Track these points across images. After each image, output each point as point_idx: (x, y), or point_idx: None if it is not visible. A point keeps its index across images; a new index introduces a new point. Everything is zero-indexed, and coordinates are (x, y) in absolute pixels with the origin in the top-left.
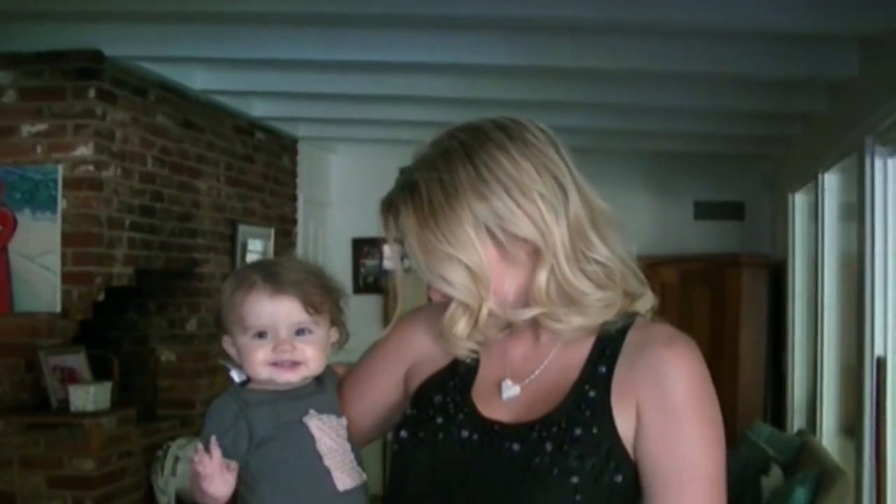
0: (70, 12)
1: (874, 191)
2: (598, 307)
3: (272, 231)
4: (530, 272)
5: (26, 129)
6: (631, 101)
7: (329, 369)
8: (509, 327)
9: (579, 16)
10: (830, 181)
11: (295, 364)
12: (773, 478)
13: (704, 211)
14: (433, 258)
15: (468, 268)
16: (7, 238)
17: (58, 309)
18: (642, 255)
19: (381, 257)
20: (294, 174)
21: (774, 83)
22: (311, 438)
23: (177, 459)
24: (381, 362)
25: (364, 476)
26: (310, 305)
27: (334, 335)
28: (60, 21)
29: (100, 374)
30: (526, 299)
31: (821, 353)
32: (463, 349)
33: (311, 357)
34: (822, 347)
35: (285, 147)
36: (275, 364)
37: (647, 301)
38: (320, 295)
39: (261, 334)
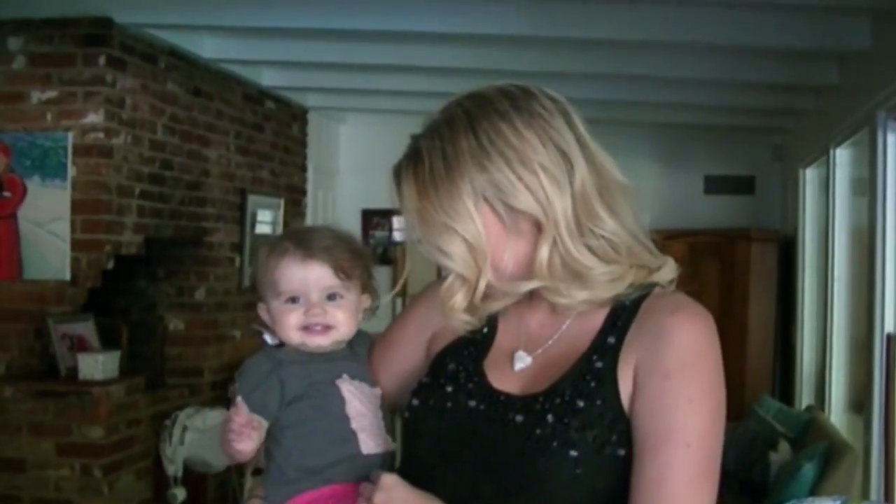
0: None
1: (886, 166)
2: (603, 281)
3: (281, 201)
4: (533, 245)
5: (36, 95)
6: (641, 72)
7: (365, 336)
8: (522, 298)
9: None
10: (842, 156)
11: (326, 328)
12: (781, 453)
13: (714, 185)
14: (431, 229)
15: (465, 240)
16: (16, 205)
17: (67, 276)
18: (651, 228)
19: (390, 229)
20: (304, 144)
21: (786, 54)
22: (342, 400)
23: (185, 428)
24: (406, 330)
25: (392, 444)
26: (340, 270)
27: (366, 301)
28: None
29: (108, 342)
30: (528, 272)
31: (830, 328)
32: (459, 322)
33: (342, 321)
34: (832, 323)
35: (295, 116)
36: (306, 328)
37: (668, 272)
38: (350, 260)
39: (293, 299)
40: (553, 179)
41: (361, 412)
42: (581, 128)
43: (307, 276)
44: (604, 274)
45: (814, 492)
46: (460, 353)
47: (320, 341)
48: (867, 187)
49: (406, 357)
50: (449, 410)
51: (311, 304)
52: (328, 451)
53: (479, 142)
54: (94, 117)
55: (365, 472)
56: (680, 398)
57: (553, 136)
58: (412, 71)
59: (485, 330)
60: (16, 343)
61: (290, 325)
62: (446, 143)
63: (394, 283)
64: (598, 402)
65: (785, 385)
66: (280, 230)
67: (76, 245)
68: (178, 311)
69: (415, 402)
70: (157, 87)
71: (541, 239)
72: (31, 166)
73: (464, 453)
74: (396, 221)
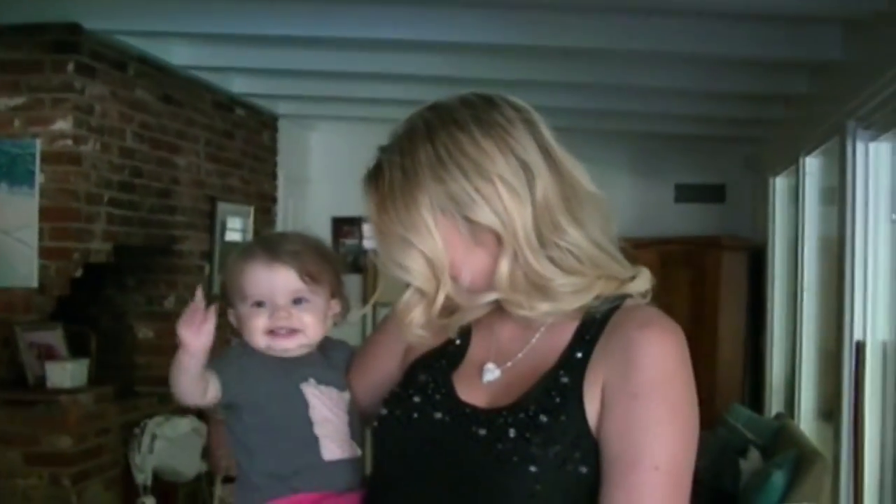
0: None
1: (855, 175)
2: (565, 293)
3: (252, 209)
4: (494, 257)
5: (3, 102)
6: (612, 82)
7: (344, 346)
8: (494, 310)
9: None
10: (811, 165)
11: (292, 332)
12: (751, 460)
13: (685, 193)
14: (390, 242)
15: (423, 254)
16: None
17: (35, 284)
18: (622, 236)
19: (360, 237)
20: (274, 151)
21: (757, 64)
22: (305, 404)
23: (154, 437)
24: (383, 340)
25: (358, 451)
26: (306, 274)
27: (336, 307)
28: None
29: (77, 350)
30: (489, 284)
31: (800, 336)
32: (415, 337)
33: (309, 324)
34: (801, 331)
35: (265, 124)
36: (272, 332)
37: (641, 283)
38: (318, 265)
39: (259, 303)
40: (512, 190)
41: (327, 417)
42: (547, 136)
43: (273, 279)
44: (566, 285)
45: (784, 499)
46: (433, 364)
47: (286, 344)
48: (836, 196)
49: (381, 367)
50: (415, 421)
51: (277, 308)
52: (291, 455)
53: (437, 154)
54: (63, 124)
55: (330, 480)
56: (649, 420)
57: (513, 145)
58: (384, 79)
59: (458, 342)
60: None
61: (257, 329)
62: (405, 156)
63: (364, 290)
64: (563, 419)
65: (755, 393)
66: (250, 238)
67: (44, 253)
68: (147, 319)
69: (383, 411)
70: (127, 94)
71: (501, 251)
72: None
73: (427, 465)
74: (367, 229)
